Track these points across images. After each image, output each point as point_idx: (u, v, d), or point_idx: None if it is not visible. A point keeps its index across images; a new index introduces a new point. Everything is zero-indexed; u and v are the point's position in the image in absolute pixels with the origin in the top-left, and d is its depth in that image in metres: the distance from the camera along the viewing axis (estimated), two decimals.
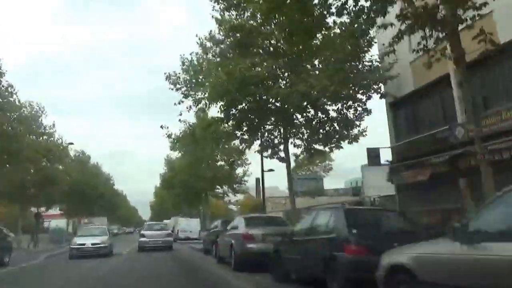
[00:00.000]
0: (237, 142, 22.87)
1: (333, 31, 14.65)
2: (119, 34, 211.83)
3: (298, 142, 19.31)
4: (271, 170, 27.66)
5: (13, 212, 45.25)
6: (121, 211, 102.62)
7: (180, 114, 26.23)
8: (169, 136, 33.90)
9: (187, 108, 22.57)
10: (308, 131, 18.92)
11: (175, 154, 43.48)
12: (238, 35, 17.20)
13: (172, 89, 23.50)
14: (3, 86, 24.68)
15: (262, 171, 25.64)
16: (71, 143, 37.05)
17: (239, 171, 42.41)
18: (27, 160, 29.67)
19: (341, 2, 9.81)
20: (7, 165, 27.54)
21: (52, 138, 34.49)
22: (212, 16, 18.24)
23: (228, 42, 18.35)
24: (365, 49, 17.44)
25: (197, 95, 22.47)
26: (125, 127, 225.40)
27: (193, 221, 40.82)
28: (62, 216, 62.71)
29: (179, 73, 23.62)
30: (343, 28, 12.69)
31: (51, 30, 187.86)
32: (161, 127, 31.52)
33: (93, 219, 57.13)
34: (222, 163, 42.90)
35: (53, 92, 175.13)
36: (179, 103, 22.84)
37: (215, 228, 21.61)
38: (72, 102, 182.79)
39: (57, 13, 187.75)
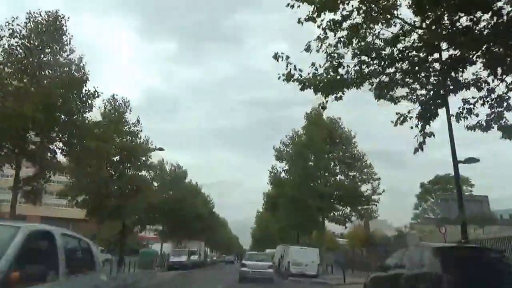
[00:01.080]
0: None
1: None
2: (223, 70, 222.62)
3: None
4: None
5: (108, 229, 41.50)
6: (221, 237, 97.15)
7: None
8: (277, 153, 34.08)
9: None
10: None
11: (281, 166, 35.54)
12: None
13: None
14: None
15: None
16: (161, 149, 29.93)
17: (365, 188, 32.89)
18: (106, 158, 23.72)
19: None
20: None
21: (138, 140, 27.88)
22: None
23: None
24: None
25: None
26: (228, 158, 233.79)
27: (310, 252, 29.78)
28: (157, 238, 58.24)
29: None
30: None
31: (165, 69, 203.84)
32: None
33: (189, 243, 50.91)
34: (341, 177, 33.74)
35: (161, 125, 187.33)
36: None
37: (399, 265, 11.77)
38: (179, 134, 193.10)
39: (171, 54, 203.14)
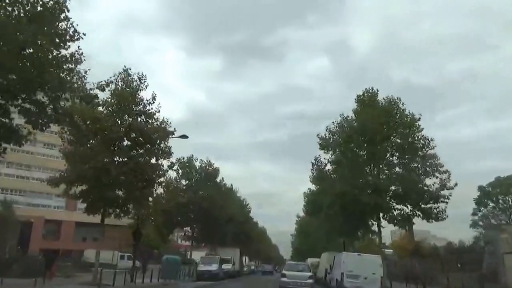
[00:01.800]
0: None
1: None
2: (265, 84, 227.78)
3: None
4: None
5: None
6: (260, 246, 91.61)
7: None
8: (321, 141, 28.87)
9: None
10: None
11: (326, 157, 29.60)
12: None
13: None
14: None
15: None
16: (185, 136, 24.81)
17: (429, 182, 26.51)
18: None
19: None
20: None
21: (154, 121, 22.75)
22: None
23: None
24: None
25: None
26: (270, 171, 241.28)
27: (371, 260, 22.79)
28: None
29: None
30: None
31: (210, 85, 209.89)
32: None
33: (222, 251, 45.64)
34: (399, 169, 27.64)
35: (207, 139, 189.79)
36: None
37: None
38: (223, 148, 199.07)
39: (216, 70, 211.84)
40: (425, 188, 26.30)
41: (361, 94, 28.93)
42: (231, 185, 60.63)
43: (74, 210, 62.89)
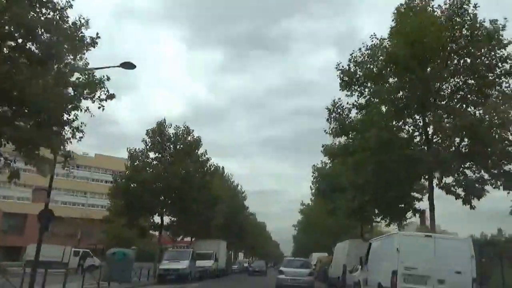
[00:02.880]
0: None
1: None
2: (269, 78, 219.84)
3: None
4: None
5: None
6: (258, 241, 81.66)
7: None
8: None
9: None
10: None
11: (349, 101, 19.23)
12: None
13: None
14: None
15: None
16: (131, 65, 14.87)
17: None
18: None
19: None
20: None
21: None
22: None
23: None
24: None
25: None
26: (273, 167, 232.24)
27: (451, 245, 11.73)
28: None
29: None
30: None
31: (211, 79, 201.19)
32: None
33: (200, 243, 35.37)
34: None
35: (208, 134, 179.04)
36: None
37: None
38: (225, 144, 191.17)
39: (217, 63, 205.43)
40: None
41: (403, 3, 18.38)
42: (223, 168, 51.14)
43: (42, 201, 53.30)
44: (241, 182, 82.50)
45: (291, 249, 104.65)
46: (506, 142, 15.79)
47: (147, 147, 33.08)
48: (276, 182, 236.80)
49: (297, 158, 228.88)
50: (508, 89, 16.58)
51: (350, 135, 19.29)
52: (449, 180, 17.21)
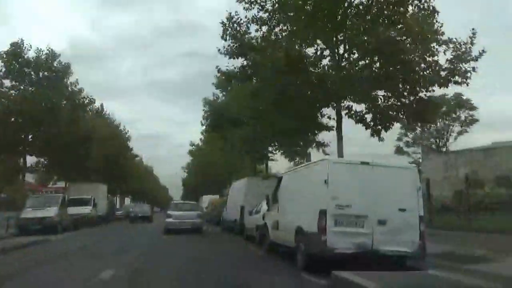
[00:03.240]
0: None
1: None
2: (157, 18, 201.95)
3: None
4: None
5: None
6: (146, 186, 77.59)
7: None
8: None
9: None
10: None
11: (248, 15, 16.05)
12: None
13: None
14: None
15: None
16: None
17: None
18: None
19: None
20: None
21: None
22: None
23: None
24: None
25: None
26: (161, 111, 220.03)
27: (393, 173, 9.04)
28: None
29: None
30: None
31: (91, 15, 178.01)
32: None
33: (75, 187, 30.76)
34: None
35: (91, 76, 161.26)
36: None
37: None
38: (110, 86, 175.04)
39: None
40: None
41: None
42: (102, 105, 45.41)
43: None
44: (127, 126, 76.84)
45: (181, 193, 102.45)
46: (423, 65, 14.11)
47: (1, 73, 26.82)
48: (165, 126, 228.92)
49: (187, 102, 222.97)
50: (426, 4, 14.76)
51: (248, 56, 16.28)
52: (360, 108, 15.46)
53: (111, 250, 13.07)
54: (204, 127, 30.04)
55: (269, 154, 28.67)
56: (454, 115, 44.09)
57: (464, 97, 40.12)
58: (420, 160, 41.72)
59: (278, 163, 30.91)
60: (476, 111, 42.82)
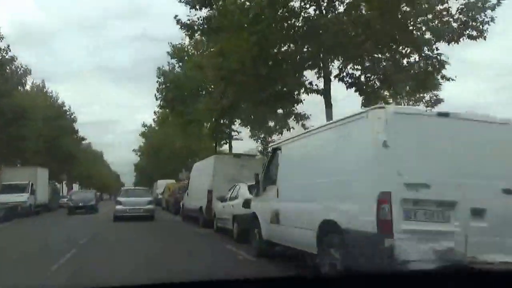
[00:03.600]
0: None
1: None
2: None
3: None
4: None
5: None
6: (94, 171, 72.71)
7: None
8: None
9: None
10: None
11: None
12: None
13: None
14: None
15: None
16: None
17: None
18: None
19: None
20: None
21: None
22: None
23: None
24: None
25: None
26: (110, 96, 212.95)
27: None
28: None
29: None
30: None
31: None
32: None
33: (12, 172, 26.71)
34: None
35: (36, 57, 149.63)
36: None
37: None
38: (57, 69, 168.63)
39: None
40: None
41: None
42: (43, 81, 40.91)
43: None
44: (76, 111, 70.85)
45: (133, 180, 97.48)
46: (429, 15, 11.80)
47: None
48: (115, 111, 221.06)
49: (137, 86, 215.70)
50: None
51: (215, 5, 13.38)
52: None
53: (33, 251, 9.69)
54: (158, 101, 26.59)
55: (233, 133, 26.02)
56: (417, 95, 42.89)
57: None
58: None
59: (242, 143, 27.88)
60: (440, 90, 41.71)
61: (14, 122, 24.85)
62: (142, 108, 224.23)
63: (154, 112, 38.01)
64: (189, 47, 24.34)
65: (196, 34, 14.67)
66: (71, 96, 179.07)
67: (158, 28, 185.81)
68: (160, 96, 25.30)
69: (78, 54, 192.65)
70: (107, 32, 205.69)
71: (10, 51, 23.82)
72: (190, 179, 19.73)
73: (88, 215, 25.23)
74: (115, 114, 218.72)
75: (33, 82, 39.89)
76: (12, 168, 27.72)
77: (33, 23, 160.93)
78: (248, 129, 23.06)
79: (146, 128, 48.15)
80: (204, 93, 22.84)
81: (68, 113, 44.73)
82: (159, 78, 24.51)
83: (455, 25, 11.27)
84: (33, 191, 25.16)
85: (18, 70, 24.32)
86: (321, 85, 12.99)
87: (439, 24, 11.38)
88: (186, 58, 24.83)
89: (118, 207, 19.82)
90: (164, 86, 24.42)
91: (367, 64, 12.48)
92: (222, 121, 24.49)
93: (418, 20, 11.62)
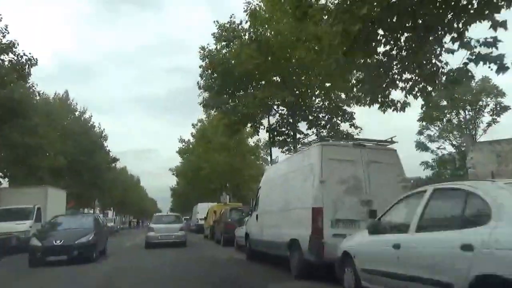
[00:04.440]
0: None
1: None
2: (142, 35, 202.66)
3: None
4: None
5: None
6: (130, 196, 67.80)
7: None
8: None
9: None
10: None
11: None
12: None
13: None
14: None
15: None
16: None
17: None
18: None
19: None
20: None
21: None
22: None
23: None
24: None
25: None
26: (146, 126, 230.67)
27: None
28: None
29: None
30: None
31: (78, 32, 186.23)
32: None
33: (14, 192, 21.07)
34: None
35: (76, 91, 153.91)
36: None
37: None
38: (97, 102, 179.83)
39: (85, 16, 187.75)
40: None
41: None
42: (66, 91, 36.28)
43: None
44: (113, 140, 67.91)
45: (170, 205, 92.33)
46: None
47: None
48: (151, 141, 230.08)
49: (172, 116, 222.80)
50: None
51: None
52: None
53: None
54: (200, 96, 20.05)
55: (298, 134, 19.43)
56: (480, 103, 36.81)
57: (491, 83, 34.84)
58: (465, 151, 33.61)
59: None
60: (505, 97, 36.09)
61: (8, 119, 19.08)
62: (176, 138, 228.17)
63: (192, 125, 32.34)
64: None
65: None
66: (107, 126, 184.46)
67: (189, 62, 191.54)
68: (204, 83, 19.06)
69: (114, 87, 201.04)
70: (142, 65, 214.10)
71: (8, 33, 18.33)
72: (260, 192, 12.45)
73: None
74: (150, 143, 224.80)
75: (55, 93, 35.26)
76: (14, 189, 22.14)
77: (72, 59, 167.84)
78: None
79: (184, 144, 42.32)
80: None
81: (97, 130, 39.64)
82: (203, 60, 18.23)
83: None
84: (39, 218, 19.10)
85: (19, 58, 18.68)
86: None
87: None
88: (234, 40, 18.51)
89: (150, 233, 19.83)
90: (207, 71, 18.24)
91: None
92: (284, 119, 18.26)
93: None
